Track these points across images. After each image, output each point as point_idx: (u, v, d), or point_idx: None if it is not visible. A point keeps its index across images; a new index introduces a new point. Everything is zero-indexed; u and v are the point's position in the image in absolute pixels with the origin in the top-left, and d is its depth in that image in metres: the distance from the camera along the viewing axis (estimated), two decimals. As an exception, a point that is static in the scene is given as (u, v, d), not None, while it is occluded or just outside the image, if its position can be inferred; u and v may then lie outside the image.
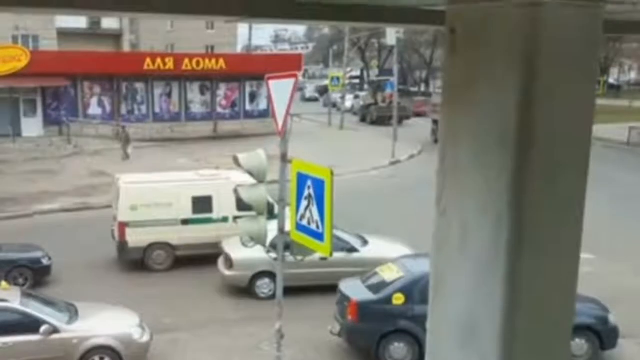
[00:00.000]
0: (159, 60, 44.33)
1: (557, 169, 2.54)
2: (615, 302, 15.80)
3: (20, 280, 18.82)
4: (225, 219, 20.48)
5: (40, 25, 50.55)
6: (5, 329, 14.06)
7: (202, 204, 20.73)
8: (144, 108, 45.31)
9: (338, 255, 16.33)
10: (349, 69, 67.87)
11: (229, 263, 18.41)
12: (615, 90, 79.44)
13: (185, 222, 20.51)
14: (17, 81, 38.64)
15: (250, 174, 11.28)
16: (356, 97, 68.78)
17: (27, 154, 37.50)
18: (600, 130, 38.17)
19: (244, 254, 17.05)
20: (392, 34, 45.70)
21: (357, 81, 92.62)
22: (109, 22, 58.78)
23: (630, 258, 20.25)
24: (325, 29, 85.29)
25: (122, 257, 20.79)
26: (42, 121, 41.91)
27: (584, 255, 3.13)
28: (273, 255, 11.70)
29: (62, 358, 14.10)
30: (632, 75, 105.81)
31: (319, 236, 9.67)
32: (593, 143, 3.02)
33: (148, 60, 44.35)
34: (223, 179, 21.22)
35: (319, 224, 9.60)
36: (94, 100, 44.06)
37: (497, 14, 2.41)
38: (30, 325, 14.06)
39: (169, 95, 46.04)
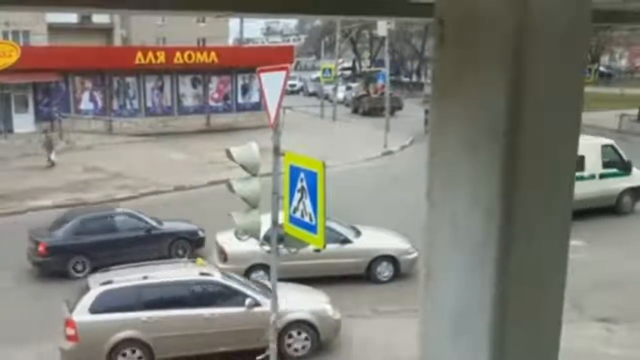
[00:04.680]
0: (150, 54, 43.99)
1: (547, 157, 2.55)
2: (612, 287, 15.88)
3: (180, 252, 20.01)
4: (592, 176, 23.13)
5: (31, 21, 50.19)
6: (211, 301, 14.77)
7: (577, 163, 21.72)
8: (135, 102, 45.02)
9: (331, 246, 16.38)
10: (340, 60, 67.65)
11: (223, 256, 18.41)
12: (606, 77, 79.51)
13: None
14: (8, 77, 38.42)
15: (243, 167, 11.27)
16: (348, 88, 68.26)
17: (18, 150, 37.31)
18: (591, 117, 38.25)
19: (238, 247, 17.06)
20: (383, 25, 45.83)
21: (349, 72, 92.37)
22: (100, 17, 58.46)
23: (622, 245, 20.33)
24: (317, 20, 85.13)
25: None
26: (33, 117, 41.72)
27: (573, 242, 3.15)
28: (267, 247, 11.71)
29: (261, 330, 13.70)
30: (623, 63, 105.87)
31: (312, 228, 9.69)
32: (584, 131, 3.05)
33: (139, 54, 44.05)
34: (590, 139, 23.57)
35: (312, 216, 9.61)
36: (85, 95, 43.73)
37: (484, 5, 2.41)
38: (233, 298, 14.77)
39: (161, 89, 45.81)
